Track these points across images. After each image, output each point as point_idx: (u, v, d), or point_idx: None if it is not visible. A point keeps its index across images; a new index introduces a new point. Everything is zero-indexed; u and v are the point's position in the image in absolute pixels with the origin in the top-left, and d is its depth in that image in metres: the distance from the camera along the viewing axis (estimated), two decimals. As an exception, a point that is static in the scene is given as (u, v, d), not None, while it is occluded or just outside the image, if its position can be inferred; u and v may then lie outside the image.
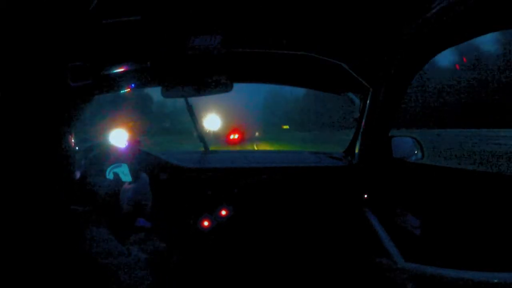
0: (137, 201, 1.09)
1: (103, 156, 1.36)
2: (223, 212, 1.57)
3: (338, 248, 1.63)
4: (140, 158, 1.48)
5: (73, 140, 0.87)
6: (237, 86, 1.61)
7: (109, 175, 1.39)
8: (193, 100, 1.83)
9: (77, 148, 1.22)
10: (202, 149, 2.06)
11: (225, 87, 1.50)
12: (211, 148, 2.08)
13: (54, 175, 0.75)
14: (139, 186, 1.12)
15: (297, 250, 1.62)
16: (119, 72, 1.46)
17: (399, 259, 1.34)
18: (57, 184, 0.75)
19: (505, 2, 0.98)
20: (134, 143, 1.47)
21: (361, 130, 1.65)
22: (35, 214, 0.67)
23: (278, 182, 1.67)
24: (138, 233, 1.01)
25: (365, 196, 1.66)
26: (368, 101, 1.57)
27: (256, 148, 15.67)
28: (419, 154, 1.63)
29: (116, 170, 1.40)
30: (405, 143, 1.64)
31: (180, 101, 1.80)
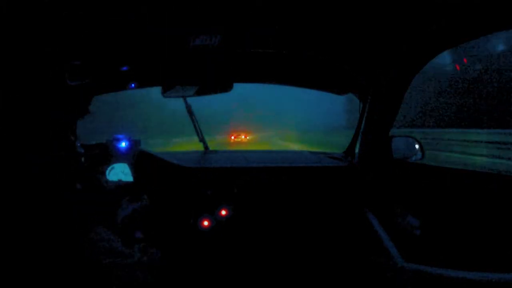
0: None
1: (104, 155, 1.36)
2: (223, 212, 1.57)
3: (338, 248, 1.63)
4: (140, 158, 1.48)
5: (74, 140, 0.87)
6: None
7: (109, 175, 1.39)
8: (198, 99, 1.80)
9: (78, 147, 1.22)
10: (202, 149, 2.06)
11: (225, 87, 1.50)
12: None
13: (54, 174, 0.75)
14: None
15: (297, 250, 1.62)
16: (118, 71, 1.46)
17: (399, 259, 1.34)
18: (58, 183, 0.75)
19: (505, 2, 0.98)
20: (134, 143, 1.47)
21: (361, 130, 1.65)
22: (37, 213, 0.67)
23: (278, 182, 1.67)
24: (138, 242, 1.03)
25: (365, 196, 1.66)
26: (368, 101, 1.57)
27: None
28: (419, 154, 1.63)
29: (116, 169, 1.40)
30: (405, 143, 1.64)
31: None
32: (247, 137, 24.89)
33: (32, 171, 0.69)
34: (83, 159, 1.39)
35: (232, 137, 23.85)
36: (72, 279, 0.66)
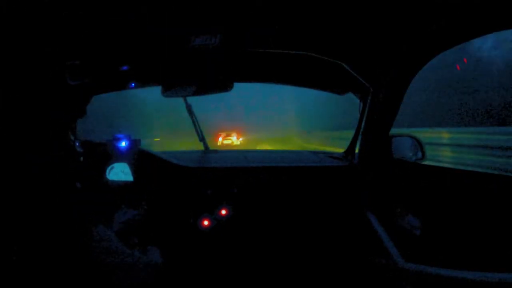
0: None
1: (104, 155, 1.36)
2: (223, 212, 1.57)
3: (338, 248, 1.63)
4: (140, 157, 1.48)
5: (73, 139, 0.87)
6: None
7: (109, 174, 1.39)
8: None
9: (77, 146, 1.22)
10: (202, 148, 2.06)
11: (225, 87, 1.50)
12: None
13: (54, 174, 0.75)
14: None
15: (297, 250, 1.62)
16: (118, 71, 1.46)
17: (399, 259, 1.34)
18: (58, 183, 0.75)
19: (505, 2, 0.98)
20: (134, 142, 1.47)
21: (361, 130, 1.65)
22: (37, 213, 0.67)
23: (278, 182, 1.67)
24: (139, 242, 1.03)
25: (365, 196, 1.66)
26: (368, 101, 1.57)
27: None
28: (419, 154, 1.63)
29: (116, 169, 1.40)
30: (405, 143, 1.64)
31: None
32: (240, 139, 20.26)
33: (32, 171, 0.69)
34: (82, 158, 1.39)
35: (220, 139, 19.28)
36: (73, 279, 0.66)
